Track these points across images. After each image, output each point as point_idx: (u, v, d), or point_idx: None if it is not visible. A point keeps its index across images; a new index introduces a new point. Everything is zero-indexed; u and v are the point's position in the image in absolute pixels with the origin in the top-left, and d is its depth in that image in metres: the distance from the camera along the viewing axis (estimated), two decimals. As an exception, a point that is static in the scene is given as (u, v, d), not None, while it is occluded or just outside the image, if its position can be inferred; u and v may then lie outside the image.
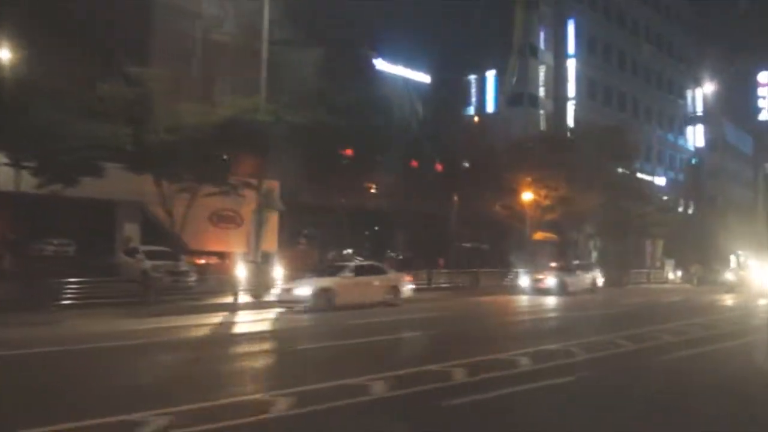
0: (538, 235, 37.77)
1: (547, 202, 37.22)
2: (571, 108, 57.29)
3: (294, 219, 41.88)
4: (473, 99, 53.10)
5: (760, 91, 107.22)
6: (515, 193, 36.65)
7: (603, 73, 61.64)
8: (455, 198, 35.51)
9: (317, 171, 38.95)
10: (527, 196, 36.60)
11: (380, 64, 45.54)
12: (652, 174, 68.56)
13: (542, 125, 55.90)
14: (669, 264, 50.19)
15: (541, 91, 57.60)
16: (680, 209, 73.56)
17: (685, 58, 76.44)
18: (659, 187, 69.59)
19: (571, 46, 57.42)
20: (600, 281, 34.08)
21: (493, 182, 36.40)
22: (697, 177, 77.04)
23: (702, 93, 78.54)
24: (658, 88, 70.33)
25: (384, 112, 35.83)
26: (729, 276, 36.91)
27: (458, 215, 37.55)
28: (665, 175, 70.17)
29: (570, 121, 56.74)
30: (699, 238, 65.10)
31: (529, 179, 35.97)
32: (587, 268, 35.15)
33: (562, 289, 30.05)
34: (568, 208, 37.12)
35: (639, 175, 65.10)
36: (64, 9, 25.00)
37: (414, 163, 42.14)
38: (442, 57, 48.99)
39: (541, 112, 57.12)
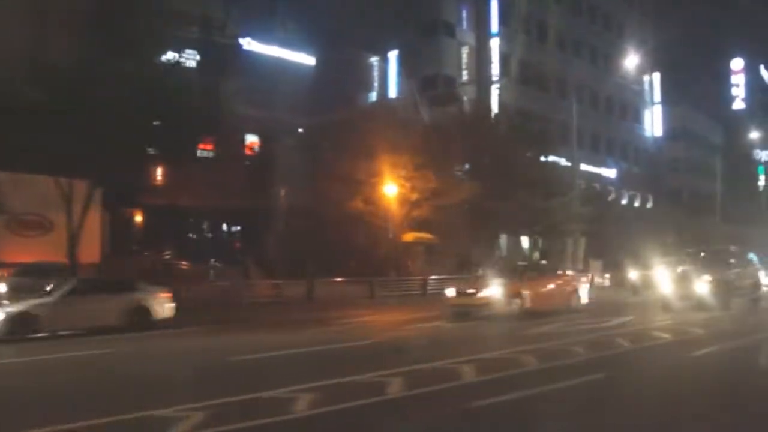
0: (408, 237, 30.74)
1: (414, 196, 30.17)
2: (495, 92, 50.12)
3: (153, 223, 35.22)
4: (375, 83, 45.90)
5: (734, 79, 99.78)
6: (375, 185, 29.69)
7: (538, 54, 54.38)
8: (282, 192, 28.32)
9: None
10: (390, 189, 29.57)
11: (249, 44, 38.64)
12: (601, 165, 61.32)
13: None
14: (595, 266, 42.78)
15: (465, 75, 50.54)
16: (636, 203, 66.20)
17: (641, 40, 68.92)
18: (609, 179, 62.31)
19: (494, 24, 50.19)
20: (165, 307, 18.14)
21: (352, 173, 29.48)
22: (656, 168, 69.56)
23: (660, 78, 71.04)
24: (608, 73, 62.84)
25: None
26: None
27: (314, 210, 30.58)
28: (616, 166, 62.70)
29: (495, 106, 49.67)
30: (651, 235, 57.64)
31: (385, 168, 28.95)
32: (109, 286, 18.36)
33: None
34: (438, 202, 30.01)
35: (584, 166, 58.07)
36: None
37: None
38: (337, 37, 42.11)
39: (465, 98, 50.02)
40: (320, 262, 32.71)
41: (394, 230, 30.32)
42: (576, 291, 20.82)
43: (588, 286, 22.00)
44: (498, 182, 37.59)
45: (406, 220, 30.74)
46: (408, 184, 29.46)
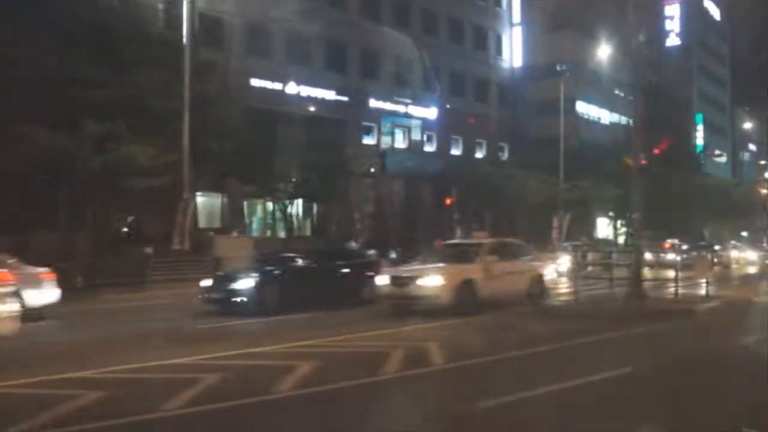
0: None
1: None
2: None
3: None
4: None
5: (667, 10, 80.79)
6: None
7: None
8: None
9: None
10: None
11: None
12: (412, 101, 44.17)
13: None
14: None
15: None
16: (480, 154, 48.92)
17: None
18: (428, 121, 45.14)
19: None
20: None
21: None
22: (515, 110, 51.96)
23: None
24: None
25: None
26: None
27: None
28: (437, 103, 45.30)
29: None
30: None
31: None
32: None
33: None
34: None
35: (378, 103, 40.87)
36: None
37: None
38: None
39: (160, 5, 33.51)
40: None
41: None
42: None
43: None
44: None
45: None
46: None
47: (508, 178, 37.26)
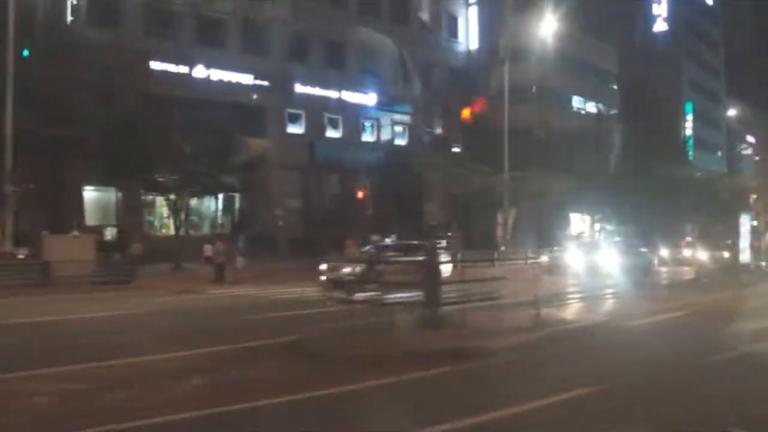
0: None
1: None
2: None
3: None
4: None
5: (654, -6, 76.13)
6: None
7: None
8: None
9: None
10: None
11: None
12: (346, 87, 40.27)
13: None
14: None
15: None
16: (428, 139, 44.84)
17: None
18: (364, 108, 41.22)
19: None
20: None
21: None
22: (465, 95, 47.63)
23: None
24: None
25: None
26: None
27: None
28: (377, 89, 41.34)
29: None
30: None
31: None
32: None
33: None
34: None
35: (304, 88, 36.79)
36: None
37: None
38: None
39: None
40: None
41: None
42: None
43: None
44: None
45: None
46: None
47: (431, 168, 33.10)
